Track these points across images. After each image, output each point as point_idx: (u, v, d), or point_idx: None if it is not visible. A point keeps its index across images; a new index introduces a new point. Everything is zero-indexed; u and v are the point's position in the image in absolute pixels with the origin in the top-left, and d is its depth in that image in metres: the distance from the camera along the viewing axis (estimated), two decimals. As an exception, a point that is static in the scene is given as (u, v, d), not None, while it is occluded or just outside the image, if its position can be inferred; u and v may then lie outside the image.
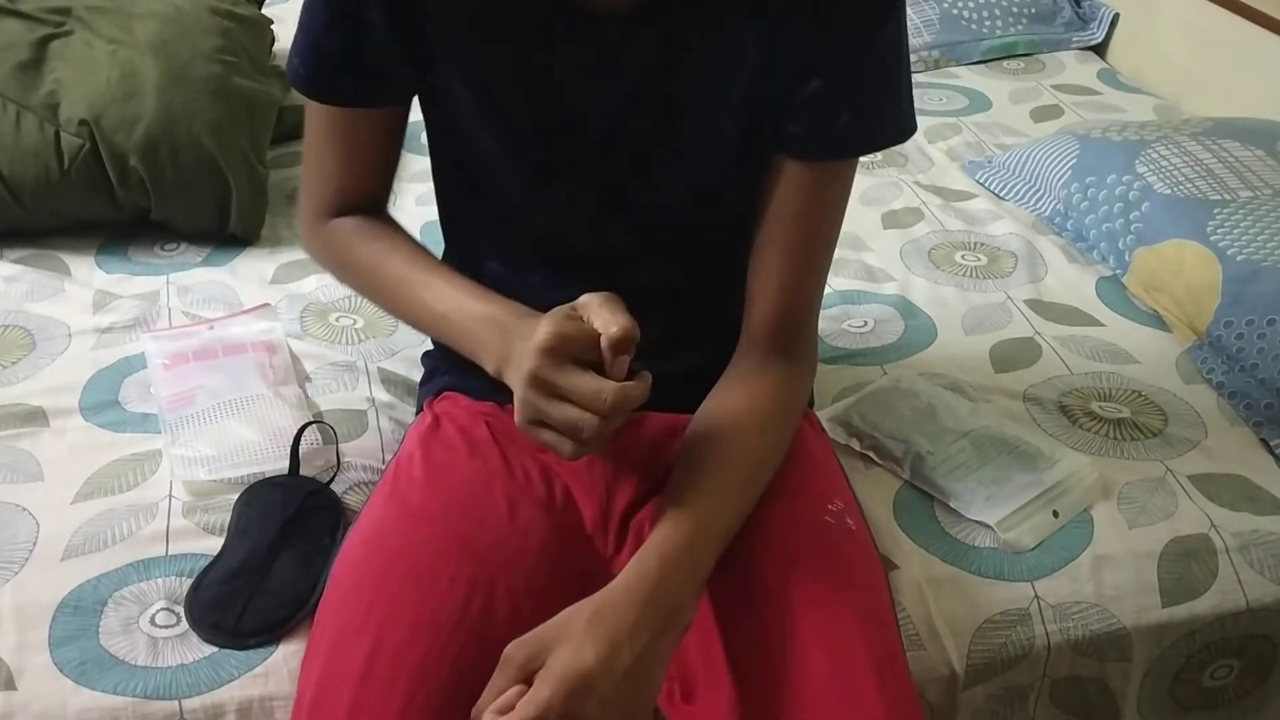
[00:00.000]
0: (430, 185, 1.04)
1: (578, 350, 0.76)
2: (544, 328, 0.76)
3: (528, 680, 0.73)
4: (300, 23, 0.90)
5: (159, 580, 0.99)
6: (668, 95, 0.89)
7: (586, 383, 0.75)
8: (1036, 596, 1.03)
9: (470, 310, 0.87)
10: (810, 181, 0.91)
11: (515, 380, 0.78)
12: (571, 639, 0.73)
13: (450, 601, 0.83)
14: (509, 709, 0.72)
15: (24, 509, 1.05)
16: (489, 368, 0.84)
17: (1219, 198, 1.42)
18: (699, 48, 0.87)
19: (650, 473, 0.97)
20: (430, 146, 1.00)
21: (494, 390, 1.02)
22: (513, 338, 0.81)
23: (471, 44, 0.88)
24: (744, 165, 0.94)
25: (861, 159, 1.83)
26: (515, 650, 0.75)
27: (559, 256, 0.97)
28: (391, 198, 1.64)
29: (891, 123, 0.91)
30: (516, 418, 0.78)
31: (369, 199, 0.99)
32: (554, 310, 0.78)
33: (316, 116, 0.95)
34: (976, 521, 1.06)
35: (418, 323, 0.96)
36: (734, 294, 0.97)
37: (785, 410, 0.94)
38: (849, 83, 0.87)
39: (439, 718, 0.79)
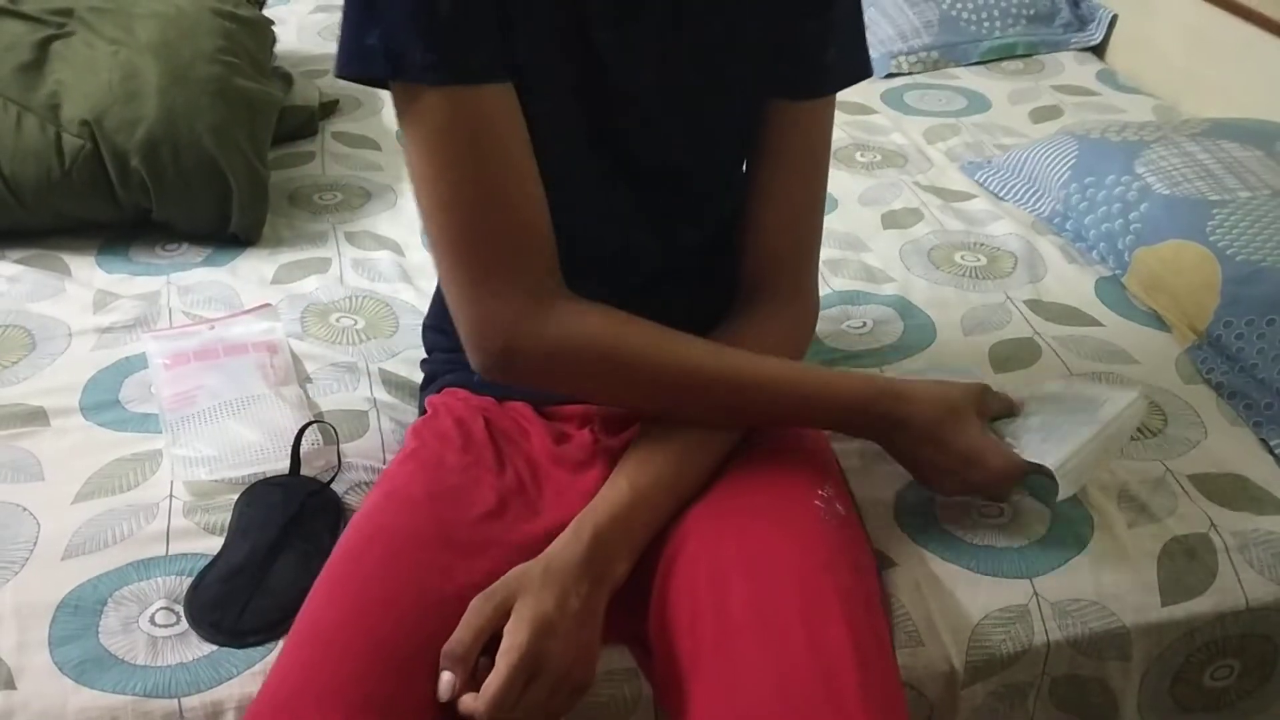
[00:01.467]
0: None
1: None
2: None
3: (501, 619, 0.81)
4: (374, 17, 0.78)
5: (159, 580, 0.99)
6: (673, 61, 0.90)
7: None
8: (1035, 594, 1.03)
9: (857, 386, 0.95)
10: (799, 121, 0.96)
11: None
12: (531, 589, 0.82)
13: (420, 584, 0.85)
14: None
15: (24, 509, 1.05)
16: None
17: (1218, 198, 1.42)
18: (698, 11, 0.89)
19: None
20: None
21: (493, 384, 1.03)
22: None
23: (499, 14, 0.84)
24: (747, 119, 0.96)
25: (860, 158, 1.84)
26: (485, 601, 0.82)
27: (560, 222, 0.93)
28: (392, 196, 1.67)
29: (864, 59, 0.98)
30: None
31: (551, 241, 0.86)
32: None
33: (449, 138, 0.80)
34: (1034, 464, 0.99)
35: (773, 408, 0.94)
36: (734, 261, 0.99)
37: (781, 353, 0.96)
38: (834, 20, 0.93)
39: (395, 695, 0.79)
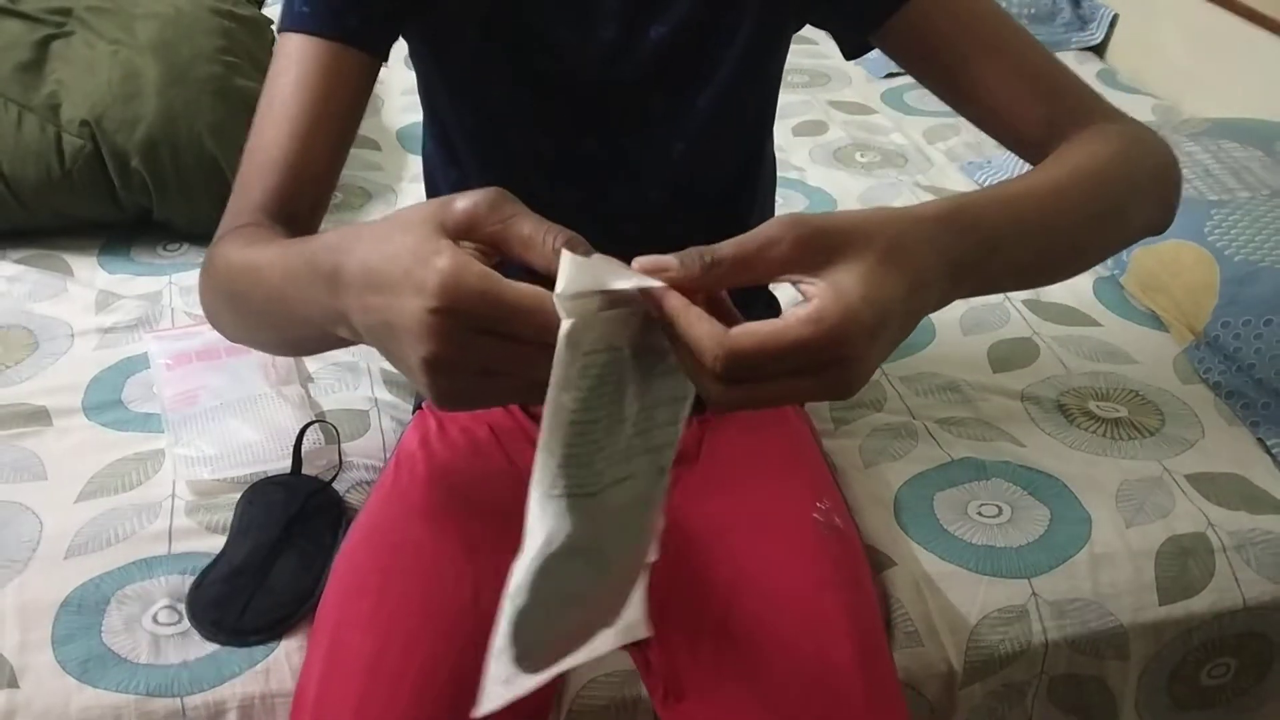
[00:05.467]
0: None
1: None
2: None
3: (801, 265, 0.52)
4: None
5: (162, 579, 0.99)
6: (656, 42, 0.88)
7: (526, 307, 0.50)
8: (1034, 594, 1.04)
9: (297, 250, 0.63)
10: (921, 19, 0.81)
11: (400, 321, 0.52)
12: (872, 252, 0.53)
13: (456, 597, 0.83)
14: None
15: (27, 508, 1.05)
16: (326, 321, 0.58)
17: (1217, 198, 1.42)
18: None
19: None
20: (426, 104, 0.98)
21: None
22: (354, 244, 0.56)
23: None
24: (743, 104, 0.93)
25: (860, 159, 1.83)
26: (791, 228, 0.52)
27: (553, 217, 0.95)
28: (392, 197, 1.66)
29: None
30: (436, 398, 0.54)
31: (312, 202, 0.84)
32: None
33: (289, 66, 0.83)
34: None
35: (264, 319, 0.70)
36: None
37: (1106, 137, 0.74)
38: None
39: (447, 712, 0.79)
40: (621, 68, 0.88)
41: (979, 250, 0.60)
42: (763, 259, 0.52)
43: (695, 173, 0.95)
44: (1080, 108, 0.79)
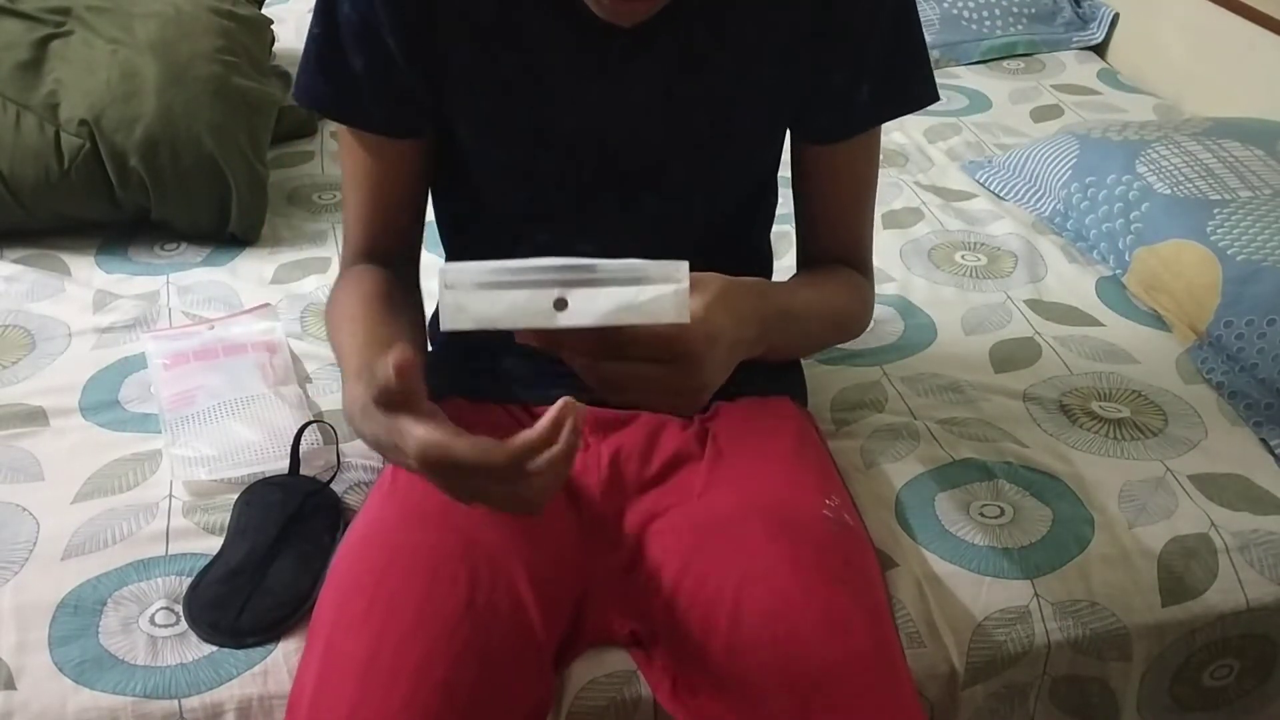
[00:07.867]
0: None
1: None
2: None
3: None
4: (315, 46, 0.90)
5: (159, 580, 0.99)
6: (681, 103, 0.90)
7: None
8: (1036, 595, 1.03)
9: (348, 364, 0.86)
10: (842, 158, 0.98)
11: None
12: (710, 290, 0.75)
13: (452, 598, 0.83)
14: None
15: (24, 509, 1.05)
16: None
17: (1219, 198, 1.42)
18: (708, 55, 0.88)
19: (648, 463, 0.98)
20: (438, 165, 1.00)
21: (492, 391, 1.03)
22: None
23: (484, 59, 0.88)
24: (761, 163, 0.97)
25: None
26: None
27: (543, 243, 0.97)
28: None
29: (913, 89, 0.96)
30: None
31: (400, 245, 0.98)
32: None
33: (348, 152, 0.95)
34: None
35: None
36: None
37: (856, 288, 1.01)
38: (865, 59, 0.92)
39: (440, 715, 0.78)
40: (649, 129, 0.91)
41: (778, 322, 0.85)
42: None
43: (709, 222, 0.99)
44: (853, 262, 1.03)
